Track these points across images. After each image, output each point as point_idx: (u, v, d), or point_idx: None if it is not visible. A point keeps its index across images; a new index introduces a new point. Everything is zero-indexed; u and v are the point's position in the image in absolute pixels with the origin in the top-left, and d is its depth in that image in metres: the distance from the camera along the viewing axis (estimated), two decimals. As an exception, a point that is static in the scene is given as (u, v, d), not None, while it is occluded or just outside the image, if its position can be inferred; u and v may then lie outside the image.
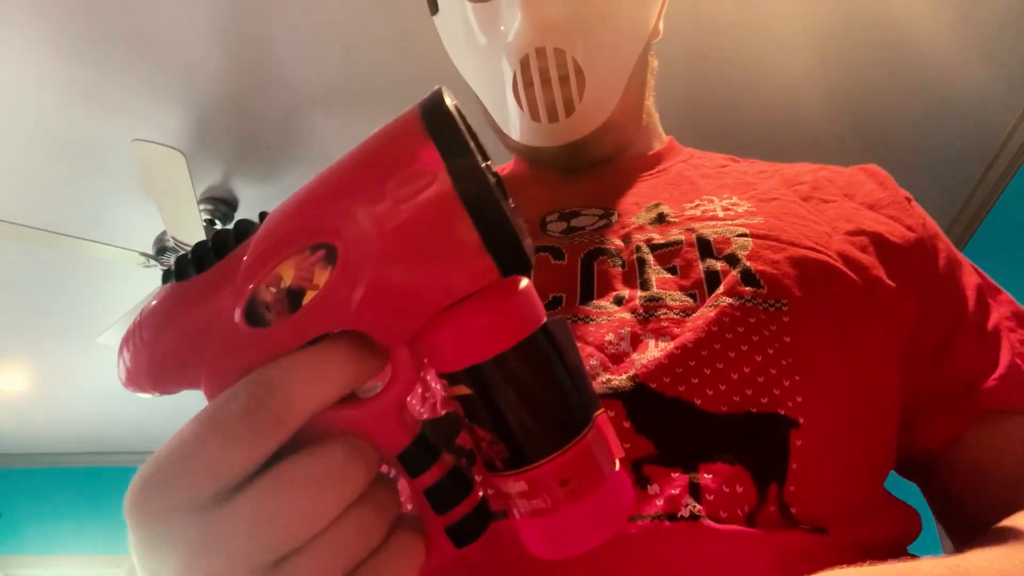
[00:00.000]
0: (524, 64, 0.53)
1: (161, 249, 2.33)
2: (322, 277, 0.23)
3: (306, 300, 0.23)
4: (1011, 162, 2.22)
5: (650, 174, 0.59)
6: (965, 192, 2.40)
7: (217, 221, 2.42)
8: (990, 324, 0.49)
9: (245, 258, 0.24)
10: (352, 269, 0.23)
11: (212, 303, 0.24)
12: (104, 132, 2.09)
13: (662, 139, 0.66)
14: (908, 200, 0.54)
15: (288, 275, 0.23)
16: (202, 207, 2.37)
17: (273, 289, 0.23)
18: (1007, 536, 0.35)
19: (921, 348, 0.48)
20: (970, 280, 0.51)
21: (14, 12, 1.73)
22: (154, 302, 0.26)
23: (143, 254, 2.29)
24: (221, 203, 2.41)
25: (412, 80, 1.95)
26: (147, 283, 2.63)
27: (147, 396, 0.27)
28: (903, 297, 0.46)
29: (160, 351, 0.25)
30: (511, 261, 0.24)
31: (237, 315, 0.24)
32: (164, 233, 2.29)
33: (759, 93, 2.03)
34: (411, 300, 0.24)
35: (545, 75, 0.53)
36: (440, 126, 0.23)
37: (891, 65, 1.95)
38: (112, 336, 2.58)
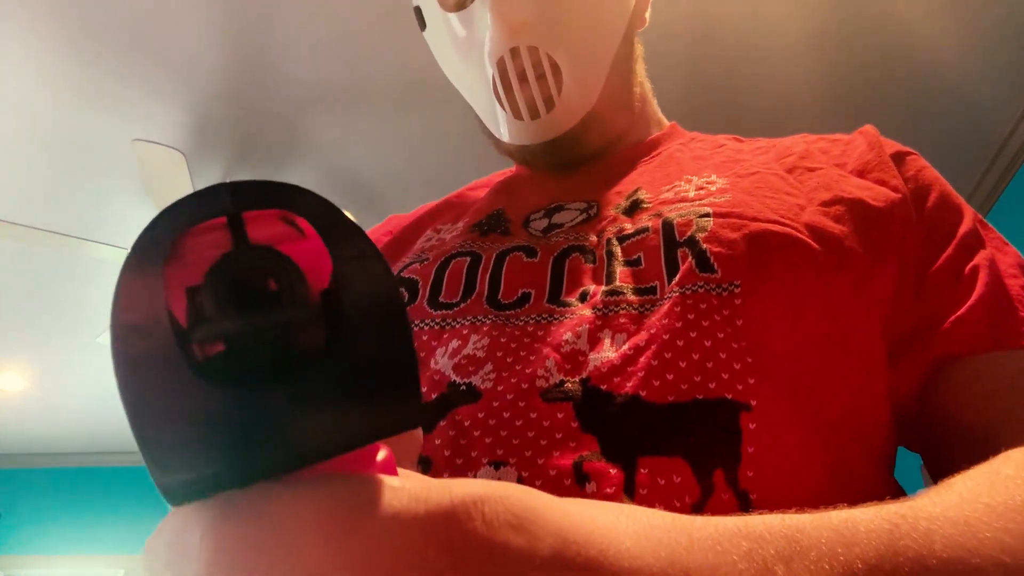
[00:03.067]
0: (501, 66, 0.54)
1: (161, 249, 2.33)
2: None
3: None
4: (1011, 162, 2.22)
5: (645, 160, 0.59)
6: (965, 192, 2.40)
7: (217, 221, 2.42)
8: (968, 267, 0.46)
9: None
10: None
11: None
12: (104, 132, 2.09)
13: (661, 125, 0.66)
14: (899, 156, 0.52)
15: None
16: (202, 207, 2.37)
17: None
18: (963, 482, 0.31)
19: (903, 305, 0.46)
20: (962, 228, 0.48)
21: (15, 13, 1.73)
22: None
23: (143, 254, 2.29)
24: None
25: (413, 80, 1.95)
26: (147, 283, 2.63)
27: None
28: (879, 264, 0.45)
29: None
30: None
31: None
32: (164, 233, 2.29)
33: (758, 91, 2.03)
34: None
35: (523, 74, 0.54)
36: None
37: (892, 64, 1.95)
38: (112, 336, 2.58)
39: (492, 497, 0.19)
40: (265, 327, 0.18)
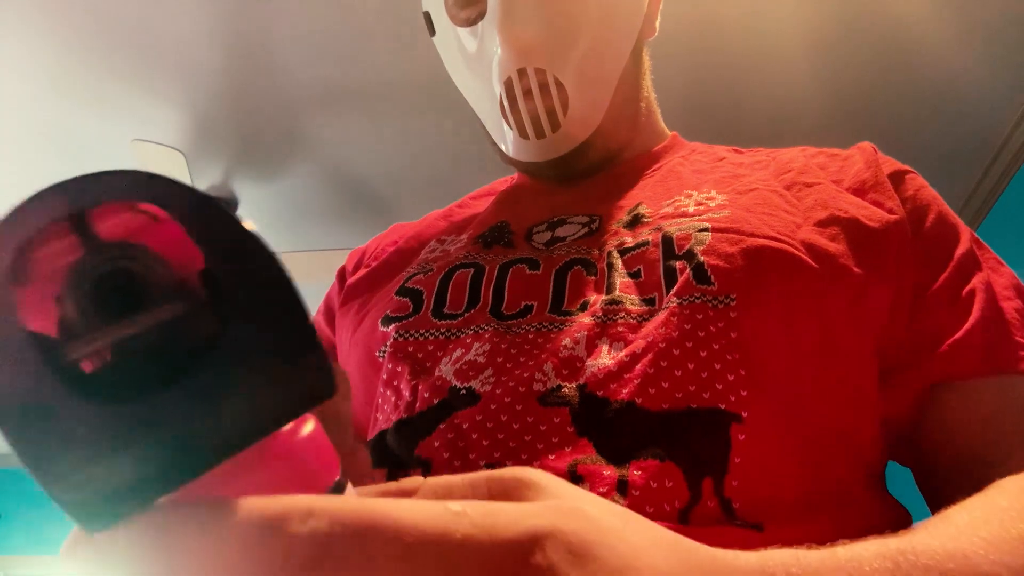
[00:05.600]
0: (508, 85, 0.55)
1: (161, 249, 2.33)
2: None
3: None
4: (1011, 162, 2.22)
5: (648, 174, 0.59)
6: (964, 193, 2.40)
7: (217, 221, 2.42)
8: (965, 290, 0.46)
9: None
10: None
11: None
12: (104, 132, 2.09)
13: (664, 136, 0.66)
14: (897, 176, 0.52)
15: None
16: (202, 207, 2.37)
17: None
18: (960, 515, 0.31)
19: (898, 324, 0.46)
20: (959, 249, 0.49)
21: (15, 13, 1.73)
22: None
23: (143, 254, 2.29)
24: (221, 203, 2.42)
25: (413, 81, 1.95)
26: (147, 283, 2.63)
27: None
28: (875, 283, 0.45)
29: None
30: None
31: None
32: (164, 233, 2.29)
33: (758, 94, 2.03)
34: None
35: (528, 91, 0.55)
36: None
37: (891, 66, 1.96)
38: (112, 336, 2.58)
39: (555, 533, 0.19)
40: (141, 329, 0.16)
